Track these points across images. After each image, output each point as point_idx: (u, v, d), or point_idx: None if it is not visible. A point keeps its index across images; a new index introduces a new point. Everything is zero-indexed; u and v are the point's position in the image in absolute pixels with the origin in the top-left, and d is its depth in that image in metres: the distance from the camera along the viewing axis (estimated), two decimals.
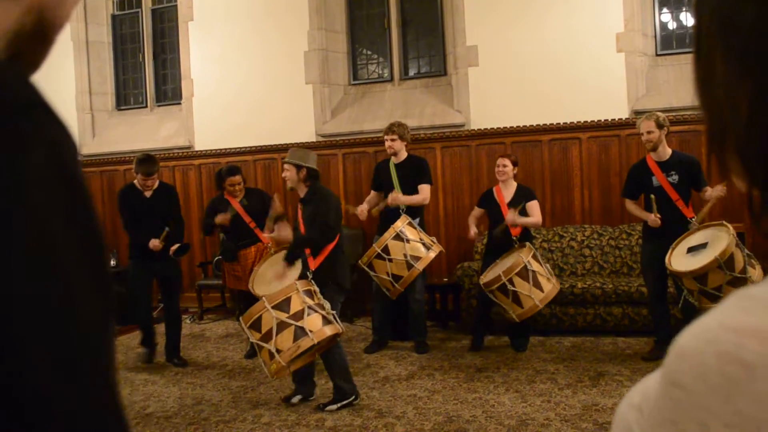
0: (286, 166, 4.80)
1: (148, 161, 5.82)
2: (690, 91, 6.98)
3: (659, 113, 5.36)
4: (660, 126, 5.17)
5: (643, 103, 6.94)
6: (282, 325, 4.14)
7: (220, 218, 5.88)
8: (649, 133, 5.19)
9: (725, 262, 4.50)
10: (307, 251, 4.67)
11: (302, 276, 4.59)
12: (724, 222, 4.82)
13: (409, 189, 5.94)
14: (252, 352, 6.14)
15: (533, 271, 5.32)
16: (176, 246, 5.91)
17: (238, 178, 6.04)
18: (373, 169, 6.64)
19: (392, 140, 5.98)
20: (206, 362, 6.06)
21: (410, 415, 4.46)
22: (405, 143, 6.05)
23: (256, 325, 4.24)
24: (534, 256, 5.43)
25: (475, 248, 6.86)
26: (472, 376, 5.21)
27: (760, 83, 0.46)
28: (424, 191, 5.96)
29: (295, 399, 4.77)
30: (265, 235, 5.96)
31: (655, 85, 7.06)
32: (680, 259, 4.84)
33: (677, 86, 6.90)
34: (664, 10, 7.31)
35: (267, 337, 4.16)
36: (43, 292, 0.42)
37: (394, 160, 6.07)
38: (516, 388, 4.89)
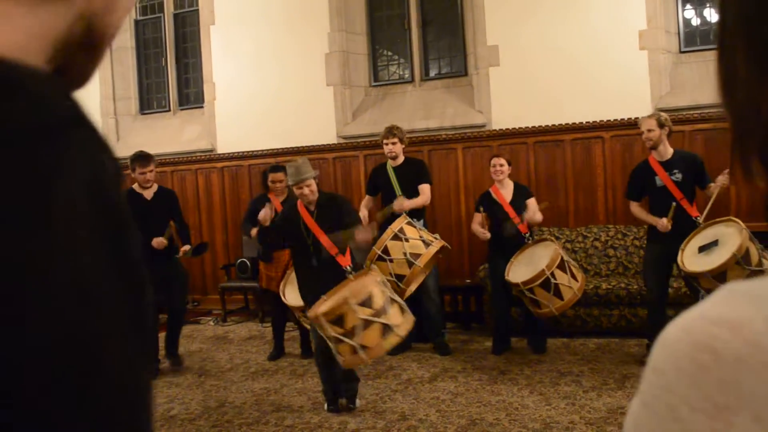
0: (308, 182, 4.56)
1: (140, 155, 5.91)
2: (714, 88, 6.93)
3: (661, 113, 5.31)
4: (661, 125, 5.11)
5: (667, 101, 6.86)
6: (368, 323, 4.08)
7: (262, 214, 5.83)
8: (649, 131, 5.14)
9: (743, 257, 4.45)
10: (335, 252, 4.60)
11: (341, 277, 4.47)
12: (732, 218, 4.77)
13: (410, 190, 5.98)
14: (276, 355, 6.17)
15: (567, 261, 5.40)
16: (187, 248, 5.93)
17: (281, 175, 6.02)
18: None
19: (393, 144, 6.02)
20: (229, 364, 6.09)
21: (433, 418, 4.44)
22: (403, 146, 6.12)
23: (338, 322, 4.13)
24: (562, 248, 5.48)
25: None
26: (495, 379, 5.18)
27: None
28: (425, 191, 6.00)
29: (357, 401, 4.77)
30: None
31: (679, 83, 6.97)
32: (693, 259, 4.79)
33: (702, 84, 6.81)
34: (688, 6, 7.21)
35: (351, 333, 4.09)
36: (75, 341, 0.38)
37: (392, 164, 6.11)
38: (540, 390, 4.85)
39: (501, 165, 5.88)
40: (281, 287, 5.66)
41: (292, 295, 5.50)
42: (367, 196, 6.35)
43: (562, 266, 5.29)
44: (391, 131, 6.05)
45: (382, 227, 5.79)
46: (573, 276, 5.33)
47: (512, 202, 5.78)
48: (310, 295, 4.54)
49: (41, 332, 0.36)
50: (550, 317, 5.55)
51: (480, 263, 6.90)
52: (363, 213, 6.10)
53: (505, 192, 5.88)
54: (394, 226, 5.50)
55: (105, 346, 0.40)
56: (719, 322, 0.43)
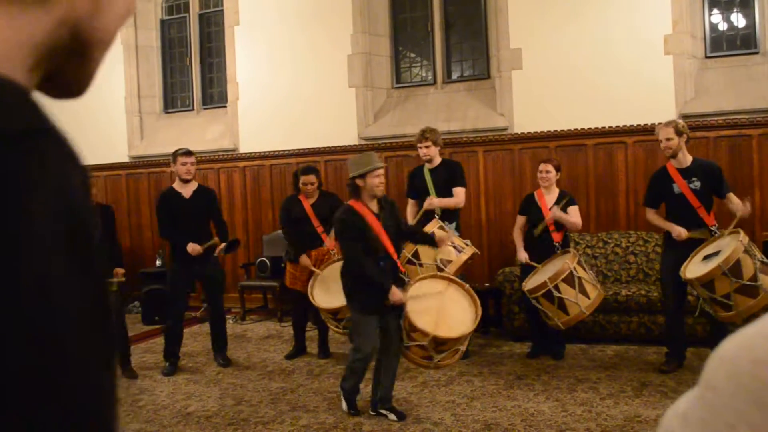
0: (381, 171, 4.44)
1: (182, 149, 6.01)
2: (740, 94, 6.83)
3: (679, 120, 5.26)
4: (679, 133, 5.06)
5: (692, 106, 6.78)
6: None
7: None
8: (668, 140, 5.09)
9: (730, 269, 4.43)
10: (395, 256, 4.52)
11: (401, 283, 4.45)
12: (739, 229, 4.72)
13: (445, 193, 5.90)
14: (294, 353, 6.20)
15: (579, 278, 5.22)
16: (223, 245, 5.99)
17: (311, 177, 6.06)
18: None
19: (426, 147, 5.93)
20: (247, 363, 6.13)
21: (448, 421, 4.43)
22: (438, 148, 6.01)
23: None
24: (579, 263, 5.34)
25: (517, 262, 6.77)
26: (511, 383, 5.16)
27: None
28: (459, 194, 5.91)
29: None
30: (330, 241, 6.00)
31: (704, 89, 6.89)
32: (693, 267, 4.79)
33: (727, 89, 6.72)
34: (714, 11, 7.13)
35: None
36: (42, 355, 0.39)
37: (428, 166, 6.03)
38: (556, 396, 4.82)
39: (548, 171, 5.82)
40: (309, 287, 5.66)
41: (321, 297, 5.52)
42: (409, 201, 6.20)
43: (570, 281, 5.16)
44: (424, 134, 5.94)
45: None
46: (584, 292, 5.20)
47: (551, 208, 5.74)
48: (372, 299, 4.39)
49: (5, 331, 0.37)
50: (557, 329, 5.49)
51: (499, 267, 6.88)
52: (409, 217, 6.08)
53: (549, 198, 5.82)
54: (427, 230, 5.48)
55: (68, 344, 0.40)
56: None
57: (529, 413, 4.51)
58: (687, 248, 4.97)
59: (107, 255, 5.65)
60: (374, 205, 4.47)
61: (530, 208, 5.86)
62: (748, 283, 4.46)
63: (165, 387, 5.50)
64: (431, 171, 5.99)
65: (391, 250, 4.40)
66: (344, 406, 4.68)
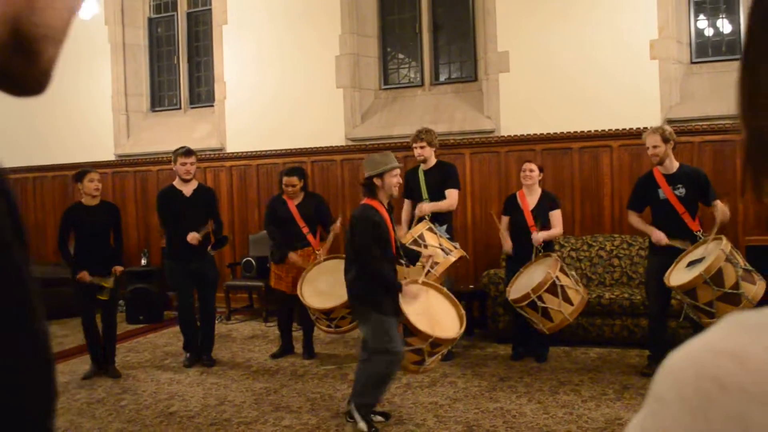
0: (399, 170, 4.42)
1: (183, 148, 6.06)
2: (725, 100, 6.87)
3: (665, 126, 5.29)
4: (666, 140, 5.09)
5: (677, 111, 6.83)
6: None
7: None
8: (654, 147, 5.12)
9: (712, 278, 4.48)
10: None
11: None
12: (722, 236, 4.75)
13: (438, 195, 5.88)
14: (280, 353, 6.20)
15: (562, 286, 5.23)
16: (213, 241, 6.02)
17: (293, 179, 6.06)
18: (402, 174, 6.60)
19: (421, 147, 5.91)
20: (231, 363, 6.12)
21: (430, 423, 4.44)
22: (434, 149, 5.99)
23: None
24: (561, 269, 5.35)
25: (502, 255, 6.80)
26: (494, 385, 5.18)
27: None
28: (452, 196, 5.89)
29: None
30: (315, 241, 6.00)
31: (689, 94, 6.94)
32: (677, 274, 4.82)
33: (712, 95, 6.77)
34: (701, 16, 7.18)
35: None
36: None
37: (423, 167, 6.02)
38: (539, 398, 4.84)
39: (531, 170, 5.84)
40: (298, 288, 5.65)
41: (313, 298, 5.51)
42: (405, 201, 6.19)
43: (553, 290, 5.18)
44: (419, 135, 5.93)
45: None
46: (567, 300, 5.21)
47: (534, 210, 5.75)
48: (393, 301, 4.27)
49: None
50: (543, 334, 5.53)
51: (484, 269, 6.90)
52: (404, 217, 6.09)
53: (531, 199, 5.84)
54: (414, 232, 5.48)
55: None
56: (724, 353, 0.43)
57: (511, 415, 4.53)
58: (671, 253, 5.00)
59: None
60: (387, 204, 4.44)
61: (513, 209, 5.87)
62: (730, 291, 4.50)
63: (148, 386, 5.48)
64: (425, 172, 5.99)
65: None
66: (363, 427, 4.29)
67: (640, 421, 0.51)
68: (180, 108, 9.38)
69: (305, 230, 6.02)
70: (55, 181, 9.66)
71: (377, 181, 4.30)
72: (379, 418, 4.47)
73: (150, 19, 9.48)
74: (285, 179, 6.07)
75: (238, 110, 8.60)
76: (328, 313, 5.43)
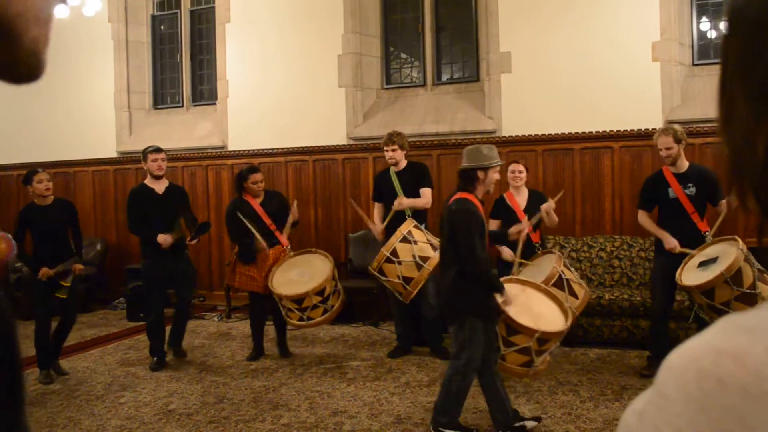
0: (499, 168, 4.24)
1: (151, 147, 6.04)
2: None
3: (676, 126, 5.26)
4: (678, 140, 5.09)
5: (678, 113, 6.83)
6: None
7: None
8: (668, 149, 5.10)
9: (732, 277, 4.45)
10: None
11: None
12: (736, 237, 4.74)
13: (412, 195, 6.03)
14: (255, 356, 6.19)
15: (567, 280, 5.23)
16: (195, 242, 6.06)
17: (260, 175, 6.11)
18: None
19: (393, 150, 6.06)
20: (230, 361, 6.13)
21: (429, 422, 4.44)
22: (405, 152, 6.15)
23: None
24: (565, 264, 5.37)
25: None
26: None
27: None
28: (426, 195, 6.04)
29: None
30: (283, 238, 6.03)
31: (691, 95, 6.94)
32: (690, 274, 4.79)
33: (713, 97, 6.73)
34: (703, 18, 7.17)
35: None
36: None
37: (394, 169, 6.16)
38: (537, 398, 4.85)
39: (521, 171, 5.88)
40: (270, 279, 5.73)
41: (284, 287, 5.61)
42: (376, 205, 6.31)
43: (560, 284, 5.14)
44: (391, 138, 6.07)
45: (388, 231, 5.81)
46: (573, 294, 5.19)
47: (526, 209, 5.74)
48: (493, 305, 4.07)
49: None
50: None
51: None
52: (377, 220, 6.13)
53: (520, 199, 5.86)
54: (403, 229, 5.52)
55: None
56: (722, 353, 0.46)
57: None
58: (678, 255, 4.99)
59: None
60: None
61: (504, 211, 5.87)
62: (748, 291, 4.47)
63: (147, 384, 5.49)
64: (398, 174, 6.13)
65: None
66: None
67: (639, 409, 0.53)
68: (182, 106, 9.39)
69: (272, 227, 6.03)
70: (56, 178, 9.66)
71: (480, 174, 4.05)
72: (532, 423, 4.21)
73: (153, 17, 9.49)
74: (252, 177, 6.06)
75: (240, 108, 8.61)
76: (299, 302, 5.49)
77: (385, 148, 6.12)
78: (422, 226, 5.78)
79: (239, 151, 8.62)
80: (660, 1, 6.88)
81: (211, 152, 8.75)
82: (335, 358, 6.13)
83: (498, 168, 4.14)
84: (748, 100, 0.52)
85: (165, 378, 5.64)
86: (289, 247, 6.02)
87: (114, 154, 9.32)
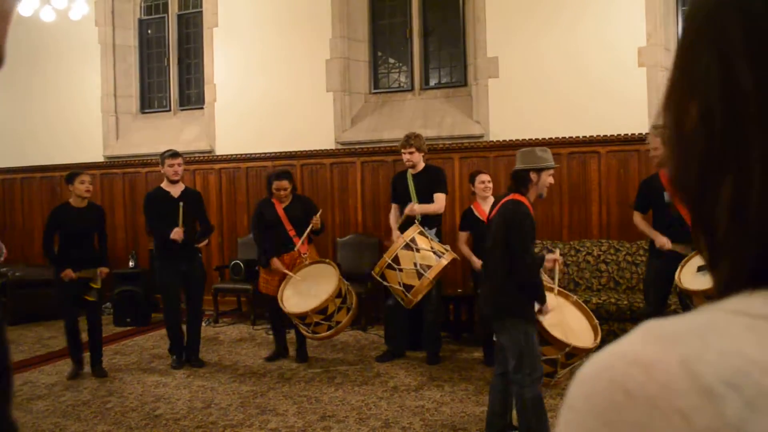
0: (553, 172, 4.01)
1: (170, 151, 6.16)
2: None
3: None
4: None
5: None
6: None
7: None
8: (656, 149, 5.14)
9: None
10: None
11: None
12: None
13: (426, 199, 5.95)
14: (275, 356, 6.19)
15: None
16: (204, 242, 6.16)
17: (284, 183, 6.06)
18: (390, 178, 6.65)
19: (410, 153, 5.96)
20: (218, 365, 6.10)
21: (416, 426, 4.45)
22: (423, 154, 6.04)
23: None
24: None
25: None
26: (481, 389, 5.18)
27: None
28: (440, 200, 5.95)
29: None
30: (302, 244, 5.99)
31: None
32: (690, 277, 4.79)
33: None
34: None
35: None
36: None
37: (411, 171, 6.07)
38: None
39: (489, 182, 5.97)
40: (279, 291, 5.69)
41: (291, 300, 5.56)
42: (392, 205, 6.28)
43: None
44: (408, 141, 5.97)
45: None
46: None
47: None
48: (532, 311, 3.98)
49: None
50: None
51: (471, 273, 6.91)
52: (393, 222, 6.12)
53: (487, 208, 5.86)
54: (406, 236, 5.51)
55: None
56: (635, 363, 0.43)
57: None
58: (673, 258, 4.99)
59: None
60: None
61: (473, 222, 5.90)
62: None
63: (134, 389, 5.46)
64: (414, 176, 6.04)
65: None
66: None
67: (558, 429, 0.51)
68: (170, 110, 9.36)
69: (292, 233, 6.02)
70: (42, 182, 9.61)
71: (533, 176, 3.86)
72: None
73: (140, 21, 9.47)
74: (276, 183, 6.06)
75: (227, 112, 8.59)
76: (303, 318, 5.47)
77: (402, 150, 6.01)
78: (431, 232, 5.74)
79: (227, 155, 8.59)
80: (646, 7, 6.93)
81: (199, 156, 8.72)
82: (323, 362, 6.12)
83: (552, 171, 3.94)
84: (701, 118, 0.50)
85: (152, 383, 5.60)
86: (306, 254, 5.96)
87: (101, 159, 9.27)
